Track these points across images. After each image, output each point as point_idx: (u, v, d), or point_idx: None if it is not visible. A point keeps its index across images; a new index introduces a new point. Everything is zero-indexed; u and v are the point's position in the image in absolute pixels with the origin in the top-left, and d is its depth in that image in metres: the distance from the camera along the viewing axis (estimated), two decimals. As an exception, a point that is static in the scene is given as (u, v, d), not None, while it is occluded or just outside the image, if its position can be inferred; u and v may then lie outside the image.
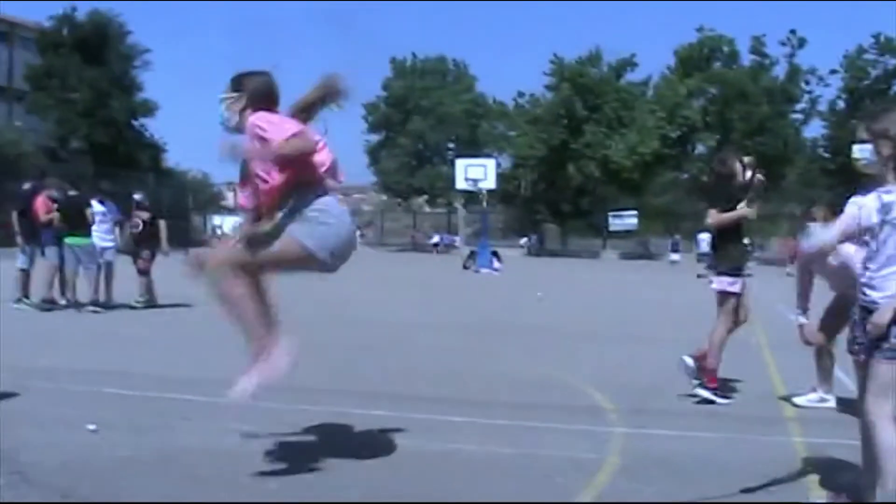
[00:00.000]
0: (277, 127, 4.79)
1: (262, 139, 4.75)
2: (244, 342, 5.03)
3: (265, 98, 5.06)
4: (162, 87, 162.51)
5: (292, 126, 4.80)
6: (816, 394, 7.63)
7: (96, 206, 14.59)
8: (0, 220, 19.25)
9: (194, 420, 6.39)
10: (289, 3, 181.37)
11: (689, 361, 7.78)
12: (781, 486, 5.07)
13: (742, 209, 7.82)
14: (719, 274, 7.96)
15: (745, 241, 8.81)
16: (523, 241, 64.35)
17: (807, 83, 64.05)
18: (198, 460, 5.34)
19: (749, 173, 7.96)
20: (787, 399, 7.84)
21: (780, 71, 64.51)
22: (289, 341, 5.07)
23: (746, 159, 8.11)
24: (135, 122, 61.29)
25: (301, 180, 4.89)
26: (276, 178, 4.85)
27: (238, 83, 5.12)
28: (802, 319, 7.46)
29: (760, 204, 8.48)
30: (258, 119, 4.84)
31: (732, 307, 7.97)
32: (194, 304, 15.79)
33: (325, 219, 4.88)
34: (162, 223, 16.33)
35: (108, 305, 14.77)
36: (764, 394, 8.15)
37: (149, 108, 62.79)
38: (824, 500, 4.81)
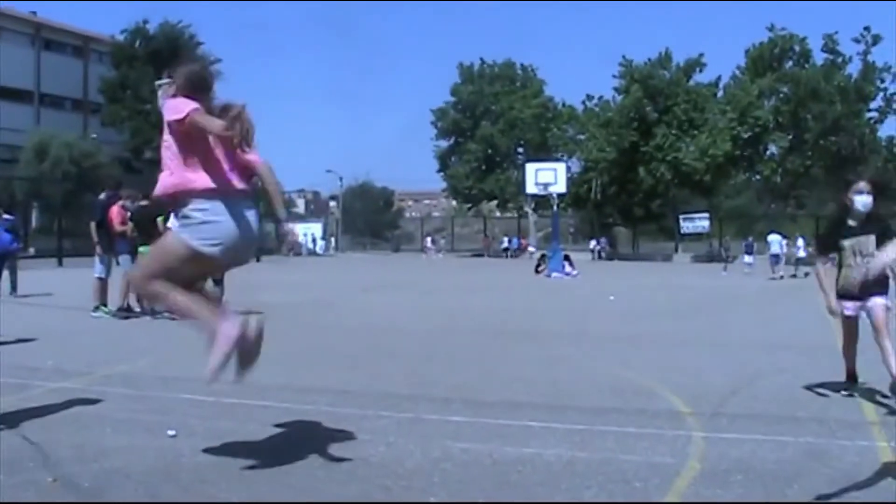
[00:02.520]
0: (173, 108, 4.97)
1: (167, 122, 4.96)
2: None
3: (192, 86, 5.16)
4: (232, 96, 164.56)
5: (188, 107, 4.92)
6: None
7: (172, 220, 14.77)
8: (79, 231, 19.62)
9: (268, 426, 6.43)
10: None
11: None
12: (863, 491, 4.98)
13: None
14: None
15: None
16: (592, 244, 64.03)
17: (881, 81, 62.95)
18: (275, 466, 5.38)
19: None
20: (871, 402, 7.69)
21: (853, 69, 63.51)
22: (246, 319, 5.14)
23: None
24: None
25: (189, 179, 4.99)
26: (173, 169, 4.98)
27: (172, 71, 5.27)
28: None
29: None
30: (166, 104, 5.03)
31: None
32: (262, 312, 15.97)
33: (207, 217, 4.95)
34: None
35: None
36: (846, 398, 8.00)
37: (220, 118, 63.65)
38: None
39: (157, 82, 5.31)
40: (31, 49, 66.23)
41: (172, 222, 5.20)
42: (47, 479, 4.99)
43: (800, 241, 36.27)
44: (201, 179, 4.98)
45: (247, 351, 5.10)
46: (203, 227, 4.94)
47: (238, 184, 5.08)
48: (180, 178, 5.00)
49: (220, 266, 5.22)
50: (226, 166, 5.06)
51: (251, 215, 5.13)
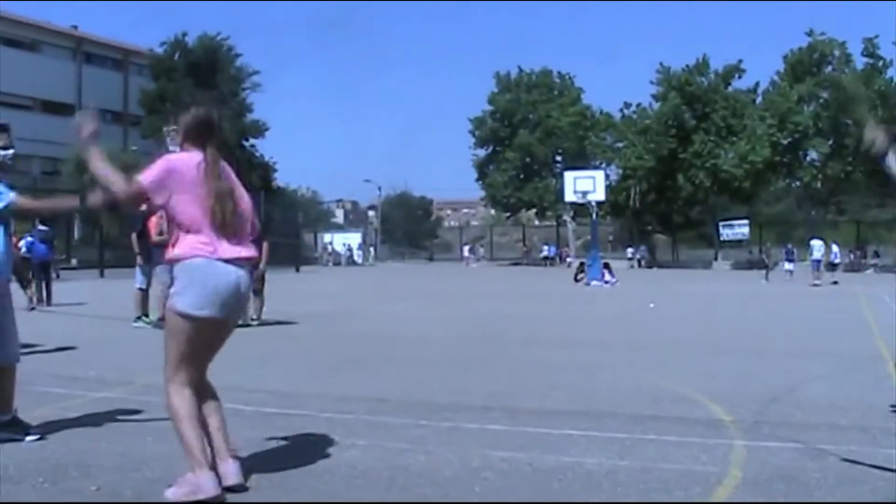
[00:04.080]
0: (152, 168, 5.02)
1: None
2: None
3: (193, 134, 5.16)
4: (271, 107, 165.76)
5: (148, 172, 4.98)
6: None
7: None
8: (121, 242, 19.83)
9: (307, 435, 6.45)
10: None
11: None
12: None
13: None
14: None
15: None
16: (630, 251, 63.77)
17: (924, 84, 62.23)
18: (314, 474, 5.40)
19: None
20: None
21: (894, 73, 62.83)
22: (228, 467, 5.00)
23: None
24: (245, 143, 62.60)
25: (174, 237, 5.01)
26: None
27: (179, 118, 5.27)
28: None
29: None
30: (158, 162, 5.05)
31: None
32: (300, 322, 16.08)
33: (185, 278, 4.95)
34: (265, 244, 15.96)
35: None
36: (888, 406, 7.92)
37: (259, 129, 64.22)
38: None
39: (165, 128, 5.36)
40: (73, 63, 67.07)
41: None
42: (91, 487, 5.04)
43: (835, 248, 35.91)
44: (178, 247, 4.98)
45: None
46: (181, 290, 4.94)
47: (225, 250, 5.03)
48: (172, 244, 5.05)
49: (223, 328, 5.16)
50: (207, 235, 4.97)
51: (239, 273, 5.08)
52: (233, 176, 5.24)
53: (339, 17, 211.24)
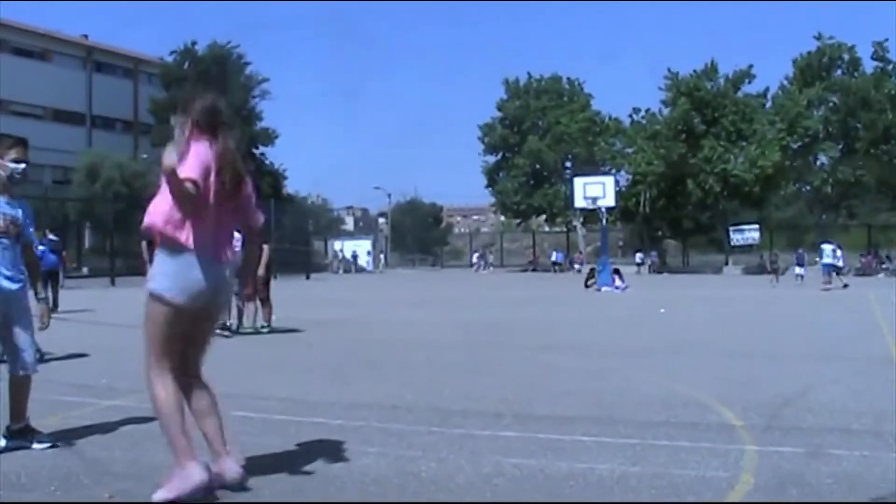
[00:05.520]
0: (184, 163, 4.87)
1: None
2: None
3: (206, 121, 5.09)
4: (281, 115, 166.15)
5: (184, 167, 4.84)
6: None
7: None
8: (131, 250, 19.89)
9: (319, 442, 6.45)
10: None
11: None
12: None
13: None
14: None
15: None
16: (638, 257, 63.64)
17: (934, 88, 62.05)
18: (326, 481, 5.41)
19: None
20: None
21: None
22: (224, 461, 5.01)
23: None
24: (255, 151, 62.78)
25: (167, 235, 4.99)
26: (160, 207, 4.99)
27: (185, 107, 5.18)
28: None
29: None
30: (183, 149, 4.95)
31: None
32: (311, 329, 16.10)
33: (167, 262, 4.97)
34: (266, 248, 15.91)
35: (234, 331, 15.09)
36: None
37: (268, 137, 64.38)
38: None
39: (173, 119, 5.32)
40: (83, 71, 67.32)
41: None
42: (104, 495, 5.05)
43: (838, 251, 35.80)
44: (179, 231, 4.96)
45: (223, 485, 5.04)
46: (161, 274, 4.97)
47: (216, 252, 5.05)
48: (164, 221, 5.00)
49: (200, 321, 5.15)
50: (211, 233, 5.02)
51: (221, 272, 5.10)
52: (244, 167, 5.25)
53: (349, 25, 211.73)
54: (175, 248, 4.94)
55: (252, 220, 5.44)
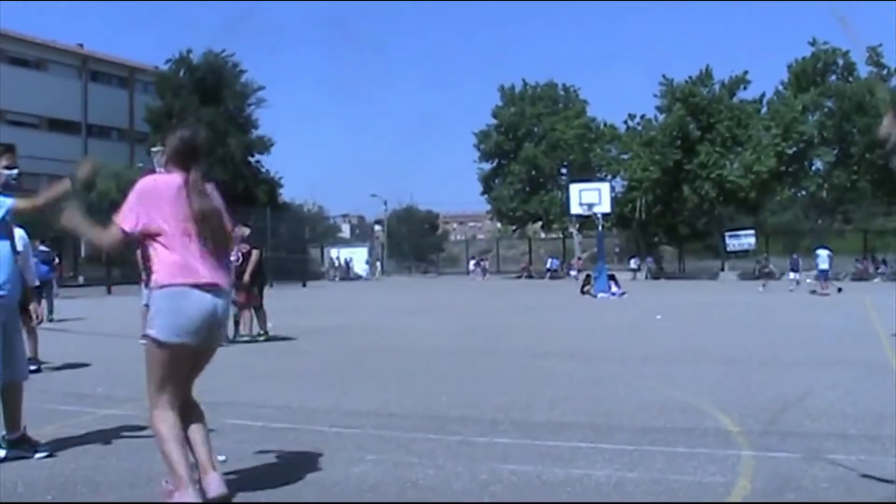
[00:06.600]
0: (125, 207, 4.99)
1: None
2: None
3: (179, 156, 5.14)
4: (277, 123, 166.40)
5: (123, 213, 4.97)
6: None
7: None
8: (127, 260, 19.88)
9: (317, 450, 6.45)
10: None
11: None
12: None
13: None
14: None
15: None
16: (633, 262, 63.59)
17: (928, 92, 62.09)
18: (325, 489, 5.41)
19: None
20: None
21: (899, 81, 62.68)
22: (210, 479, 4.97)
23: None
24: (251, 159, 62.76)
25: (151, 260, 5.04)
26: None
27: (166, 139, 5.28)
28: None
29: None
30: (133, 192, 5.04)
31: None
32: (308, 337, 16.09)
33: (161, 305, 4.96)
34: (255, 253, 15.89)
35: (231, 339, 15.07)
36: (897, 414, 7.90)
37: (264, 145, 64.38)
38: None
39: (153, 149, 5.39)
40: (79, 80, 67.30)
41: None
42: (101, 504, 5.05)
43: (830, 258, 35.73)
44: (158, 271, 5.00)
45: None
46: (157, 317, 4.97)
47: (203, 275, 5.03)
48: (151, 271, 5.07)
49: (201, 355, 5.17)
50: (184, 259, 4.99)
51: (215, 301, 5.09)
52: (218, 198, 5.24)
53: (345, 33, 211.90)
54: (164, 291, 4.96)
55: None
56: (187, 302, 4.92)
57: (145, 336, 5.05)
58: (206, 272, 4.99)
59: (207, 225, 5.03)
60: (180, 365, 5.03)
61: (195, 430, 5.11)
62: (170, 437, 4.90)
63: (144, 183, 5.06)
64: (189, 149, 5.16)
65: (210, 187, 5.20)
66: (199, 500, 4.78)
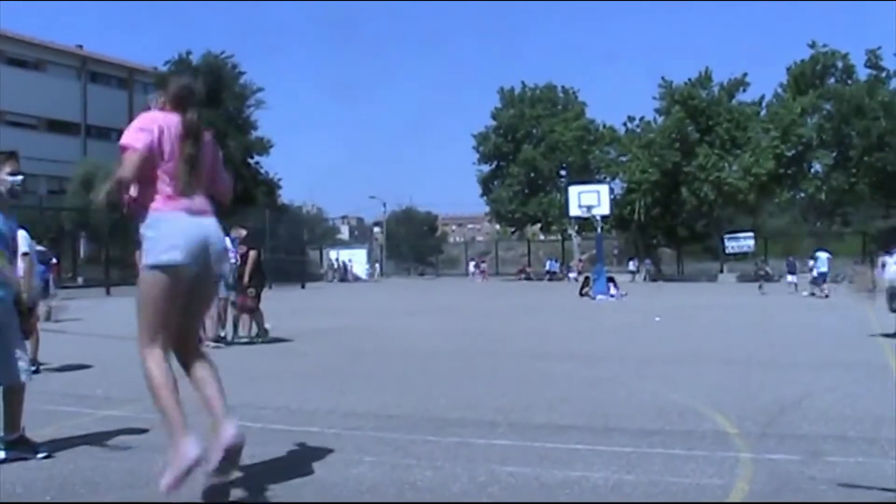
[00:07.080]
0: (130, 131, 5.13)
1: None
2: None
3: (177, 99, 5.30)
4: (276, 124, 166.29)
5: (132, 136, 5.09)
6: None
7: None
8: (126, 260, 19.90)
9: (316, 451, 6.46)
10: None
11: None
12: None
13: None
14: None
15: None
16: (632, 264, 63.56)
17: (927, 95, 62.05)
18: (323, 490, 5.41)
19: None
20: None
21: (898, 84, 62.66)
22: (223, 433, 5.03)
23: None
24: (250, 160, 62.74)
25: (144, 198, 5.11)
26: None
27: (162, 85, 5.47)
28: None
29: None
30: (136, 121, 5.18)
31: None
32: (307, 338, 16.09)
33: (152, 232, 5.02)
34: (252, 253, 15.92)
35: (230, 341, 15.07)
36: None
37: (263, 146, 64.36)
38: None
39: (150, 96, 5.47)
40: (78, 81, 67.24)
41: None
42: (99, 505, 5.05)
43: (811, 261, 35.69)
44: (150, 199, 5.07)
45: (225, 461, 5.03)
46: (154, 240, 5.00)
47: (192, 203, 5.12)
48: (135, 196, 5.12)
49: (195, 284, 5.17)
50: (176, 189, 5.10)
51: (207, 222, 5.17)
52: (211, 142, 5.42)
53: (344, 34, 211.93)
54: (153, 216, 5.02)
55: (219, 184, 5.56)
56: (179, 222, 5.02)
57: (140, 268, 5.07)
58: (199, 203, 5.14)
59: (192, 166, 5.16)
60: (174, 296, 5.04)
61: (208, 383, 5.18)
62: (163, 384, 4.94)
63: (146, 115, 5.24)
64: (187, 92, 5.35)
65: (208, 135, 5.36)
66: (197, 449, 4.82)
